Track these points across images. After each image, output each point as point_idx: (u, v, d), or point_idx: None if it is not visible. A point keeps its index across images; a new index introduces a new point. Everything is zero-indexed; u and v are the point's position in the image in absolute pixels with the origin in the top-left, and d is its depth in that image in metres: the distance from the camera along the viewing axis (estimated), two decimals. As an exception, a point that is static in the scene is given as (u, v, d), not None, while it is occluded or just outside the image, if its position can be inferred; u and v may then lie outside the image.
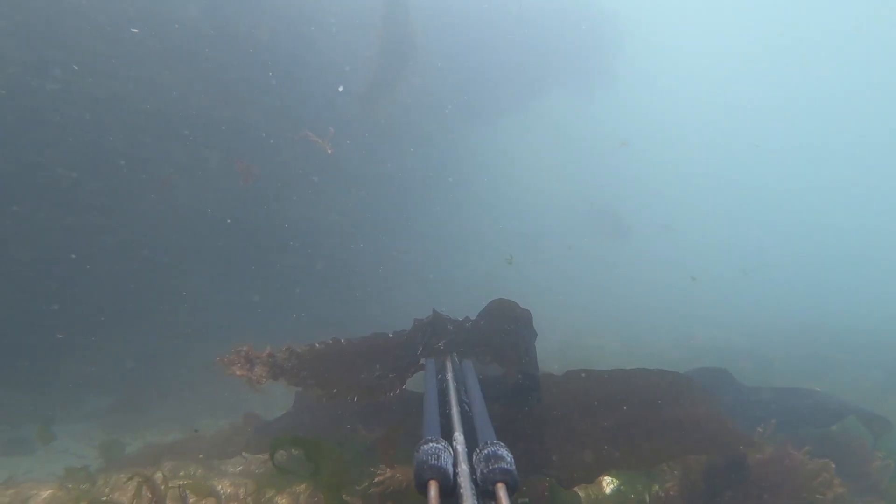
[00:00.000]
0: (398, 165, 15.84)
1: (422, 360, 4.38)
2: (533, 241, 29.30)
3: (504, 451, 2.11)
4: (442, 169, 18.77)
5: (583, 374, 4.77)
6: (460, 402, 3.13)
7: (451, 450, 2.19)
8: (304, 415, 5.65)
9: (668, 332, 20.03)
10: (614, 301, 27.46)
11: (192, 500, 4.28)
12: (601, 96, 29.04)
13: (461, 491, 1.94)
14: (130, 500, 4.14)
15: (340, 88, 12.51)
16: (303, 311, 12.61)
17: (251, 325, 11.29)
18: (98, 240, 9.27)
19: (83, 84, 8.60)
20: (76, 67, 8.44)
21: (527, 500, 3.90)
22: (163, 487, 4.21)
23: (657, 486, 4.65)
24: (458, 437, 2.42)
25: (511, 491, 1.93)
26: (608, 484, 4.77)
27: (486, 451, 2.12)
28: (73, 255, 8.90)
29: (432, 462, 2.02)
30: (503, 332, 4.53)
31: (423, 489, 1.93)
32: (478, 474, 2.04)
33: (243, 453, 5.80)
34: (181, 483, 4.34)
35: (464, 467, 2.09)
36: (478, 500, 1.92)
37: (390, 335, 4.83)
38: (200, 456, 6.10)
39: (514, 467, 2.03)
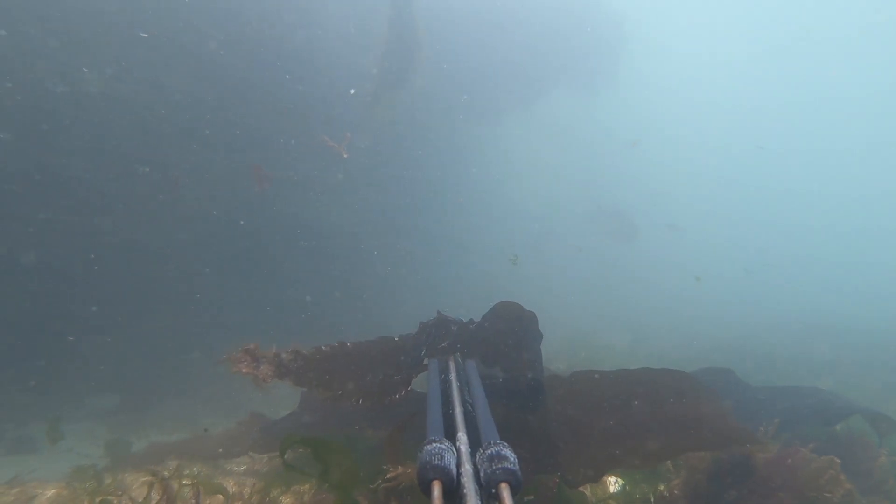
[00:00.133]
0: (402, 166, 15.84)
1: (425, 361, 4.39)
2: (539, 241, 29.25)
3: (507, 451, 2.12)
4: (446, 169, 18.75)
5: (588, 375, 4.78)
6: (463, 402, 3.13)
7: (454, 450, 2.20)
8: (309, 414, 5.65)
9: (672, 332, 20.00)
10: (620, 301, 27.42)
11: (201, 500, 4.29)
12: (605, 96, 29.00)
13: (464, 491, 1.94)
14: (143, 498, 4.16)
15: (352, 91, 12.52)
16: (308, 313, 12.63)
17: (255, 326, 11.32)
18: (103, 240, 9.32)
19: (91, 86, 8.64)
20: (85, 70, 8.49)
21: (531, 497, 3.90)
22: (175, 486, 4.24)
23: (662, 486, 4.64)
24: (462, 437, 2.42)
25: (514, 491, 1.93)
26: (613, 483, 4.77)
27: (489, 451, 2.12)
28: (93, 255, 9.02)
29: (436, 462, 2.02)
30: (506, 335, 4.54)
31: (427, 489, 1.94)
32: (481, 474, 2.04)
33: (250, 453, 5.82)
34: (193, 482, 4.35)
35: (467, 467, 2.09)
36: (481, 500, 1.92)
37: (396, 338, 4.83)
38: (219, 450, 6.10)
39: (517, 467, 2.04)
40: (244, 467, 6.05)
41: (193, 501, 4.28)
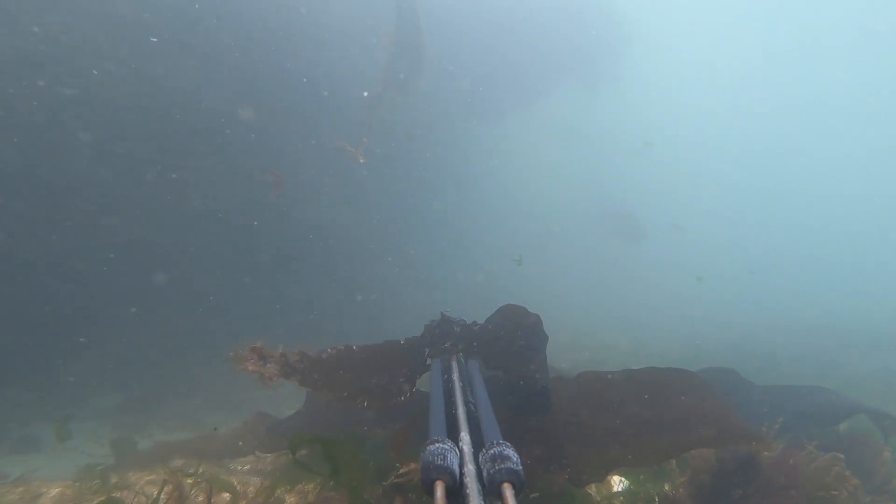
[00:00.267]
0: (404, 167, 15.84)
1: (428, 361, 4.40)
2: (542, 241, 29.24)
3: (510, 451, 2.12)
4: (449, 170, 18.75)
5: (593, 376, 4.79)
6: (466, 403, 3.13)
7: (457, 450, 2.20)
8: (315, 413, 5.66)
9: (676, 332, 19.95)
10: (623, 301, 27.36)
11: (210, 499, 4.32)
12: (608, 96, 28.93)
13: (467, 491, 1.94)
14: (156, 495, 4.19)
15: (365, 94, 12.53)
16: (311, 314, 12.65)
17: (258, 327, 11.34)
18: (109, 240, 9.36)
19: (100, 89, 8.69)
20: (95, 72, 8.53)
21: (536, 494, 3.91)
22: (189, 483, 4.27)
23: (667, 486, 4.64)
24: (465, 437, 2.42)
25: (517, 491, 1.94)
26: (618, 483, 4.77)
27: (492, 451, 2.12)
28: (112, 255, 9.12)
29: (438, 462, 2.03)
30: (510, 339, 4.54)
31: (430, 490, 1.94)
32: (484, 474, 2.05)
33: (256, 452, 5.83)
34: (203, 479, 4.39)
35: (470, 467, 2.10)
36: (484, 500, 1.92)
37: (402, 342, 4.83)
38: (225, 450, 6.12)
39: (520, 467, 2.04)
40: (248, 466, 6.07)
41: (201, 498, 4.31)
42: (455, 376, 3.73)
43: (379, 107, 12.98)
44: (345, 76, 12.73)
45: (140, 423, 9.06)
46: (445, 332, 4.74)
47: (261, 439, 5.89)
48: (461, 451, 2.24)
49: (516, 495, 1.91)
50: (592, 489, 4.50)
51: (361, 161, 10.75)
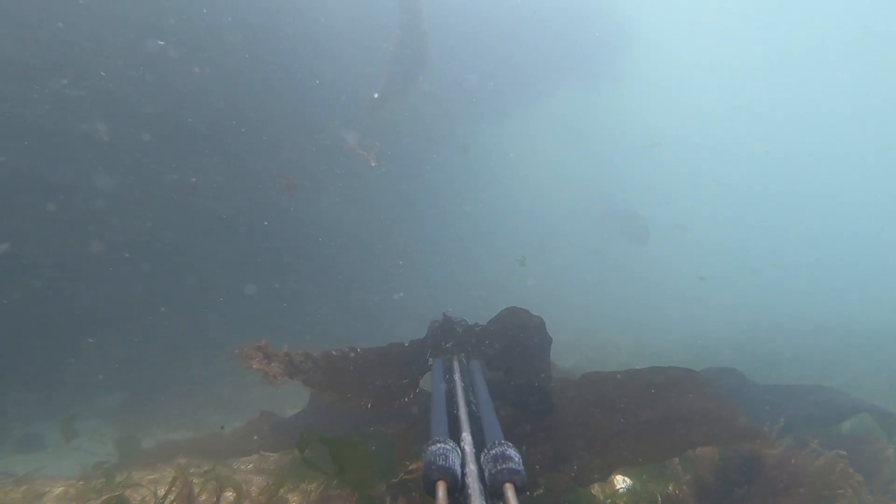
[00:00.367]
0: (407, 167, 15.83)
1: (430, 362, 4.41)
2: (545, 241, 29.21)
3: (512, 451, 2.12)
4: (451, 170, 18.73)
5: (597, 376, 4.81)
6: (468, 403, 3.14)
7: (458, 450, 2.20)
8: (320, 412, 5.67)
9: (678, 332, 19.92)
10: (626, 301, 27.33)
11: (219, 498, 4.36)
12: (610, 96, 28.91)
13: (469, 491, 1.95)
14: (164, 492, 4.23)
15: (376, 95, 12.52)
16: (313, 316, 12.67)
17: (261, 327, 11.37)
18: (114, 240, 9.39)
19: (109, 91, 8.72)
20: (103, 73, 8.56)
21: (541, 491, 3.92)
22: (197, 482, 4.29)
23: (671, 485, 4.64)
24: (466, 437, 2.43)
25: (519, 491, 1.94)
26: (622, 483, 4.77)
27: (493, 452, 2.12)
28: (128, 254, 9.16)
29: (440, 463, 2.03)
30: (512, 344, 4.55)
31: (432, 490, 1.94)
32: (486, 474, 2.05)
33: (261, 451, 5.85)
34: (213, 478, 4.41)
35: (472, 468, 2.10)
36: (486, 500, 1.92)
37: (406, 344, 4.84)
38: (229, 448, 6.14)
39: (522, 467, 2.04)
40: (250, 465, 6.08)
41: (204, 497, 4.33)
42: (457, 376, 3.74)
43: (382, 108, 12.98)
44: (349, 78, 12.71)
45: (142, 422, 9.09)
46: (447, 332, 4.75)
47: (265, 438, 5.90)
48: (463, 451, 2.24)
49: (518, 495, 1.91)
50: (596, 489, 4.51)
51: (373, 164, 10.79)
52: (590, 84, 26.40)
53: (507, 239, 24.96)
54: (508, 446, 2.15)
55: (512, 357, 4.48)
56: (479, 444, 2.36)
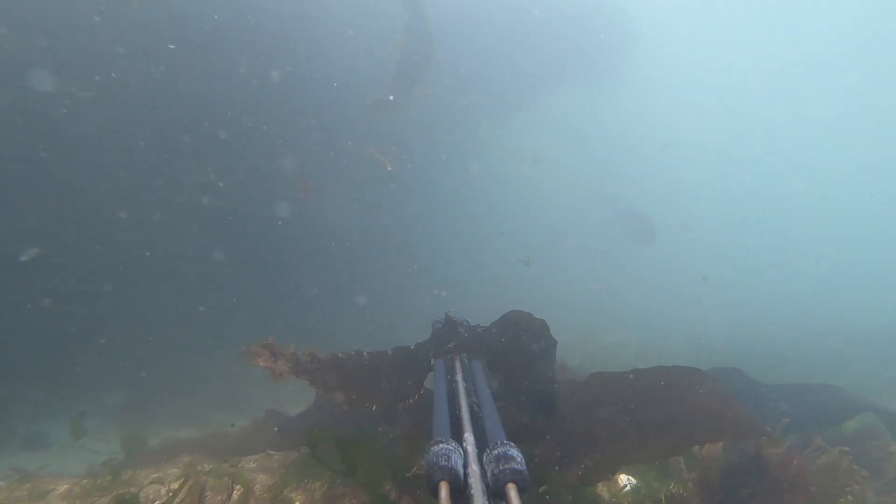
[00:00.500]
0: (411, 167, 15.81)
1: (431, 361, 4.41)
2: (551, 240, 29.18)
3: (514, 451, 2.12)
4: (454, 170, 18.71)
5: (602, 377, 4.84)
6: (470, 403, 3.13)
7: (461, 451, 2.20)
8: (326, 410, 5.68)
9: (682, 332, 19.86)
10: (629, 301, 27.26)
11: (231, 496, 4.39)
12: (612, 97, 28.84)
13: (472, 492, 1.94)
14: (175, 491, 4.26)
15: (391, 97, 12.50)
16: (316, 316, 12.69)
17: (263, 327, 11.40)
18: (120, 239, 9.43)
19: (118, 93, 8.76)
20: (114, 75, 8.58)
21: (544, 486, 3.92)
22: (212, 482, 4.31)
23: (675, 485, 4.63)
24: (468, 437, 2.43)
25: (522, 491, 1.94)
26: (627, 482, 4.76)
27: (496, 452, 2.12)
28: (148, 254, 9.21)
29: (443, 463, 2.03)
30: (513, 345, 4.55)
31: (434, 490, 1.94)
32: (488, 475, 2.05)
33: (268, 450, 5.86)
34: (226, 475, 4.44)
35: (474, 468, 2.10)
36: (489, 500, 1.92)
37: (412, 347, 4.85)
38: (236, 447, 6.16)
39: (524, 467, 2.04)
40: (254, 464, 6.10)
41: (209, 494, 4.35)
42: (459, 377, 3.74)
43: (392, 110, 12.95)
44: (361, 81, 12.69)
45: (145, 420, 9.13)
46: (450, 333, 4.75)
47: (271, 437, 5.91)
48: (465, 451, 2.24)
49: (521, 495, 1.90)
50: (601, 488, 4.51)
51: (389, 169, 10.83)
52: (593, 85, 26.33)
53: (512, 238, 24.96)
54: (511, 446, 2.15)
55: (514, 361, 4.48)
56: (482, 445, 2.35)
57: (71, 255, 9.00)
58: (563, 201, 34.24)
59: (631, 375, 4.74)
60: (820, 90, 59.56)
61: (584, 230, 33.13)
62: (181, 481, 4.44)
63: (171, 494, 4.29)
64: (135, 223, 9.58)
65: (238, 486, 4.58)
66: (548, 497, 3.89)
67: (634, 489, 4.68)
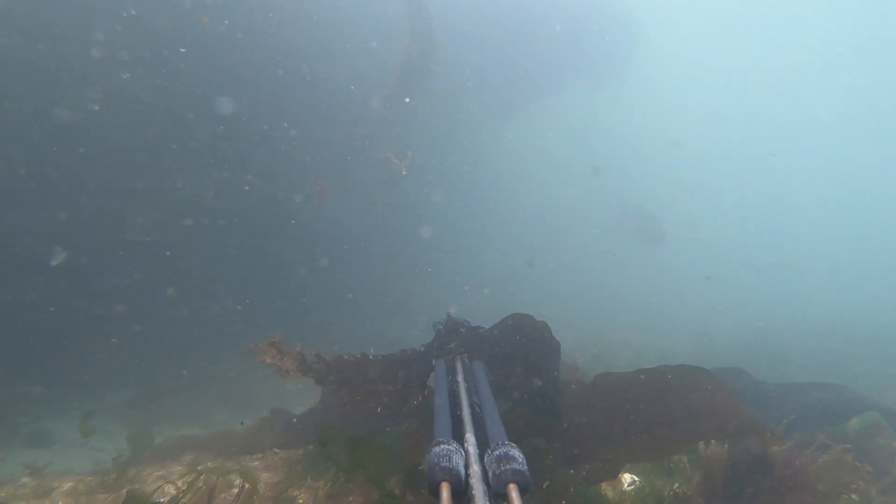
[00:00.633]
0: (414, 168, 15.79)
1: (433, 362, 4.41)
2: (556, 241, 29.14)
3: (516, 452, 2.12)
4: (458, 170, 18.69)
5: (608, 378, 4.84)
6: (471, 404, 3.13)
7: (462, 451, 2.20)
8: (332, 409, 5.69)
9: (685, 332, 19.83)
10: (635, 300, 27.21)
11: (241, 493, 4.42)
12: (614, 97, 28.78)
13: (473, 492, 1.95)
14: (185, 489, 4.29)
15: (407, 100, 12.49)
16: (316, 317, 12.71)
17: (267, 327, 11.39)
18: (126, 239, 9.46)
19: (127, 98, 8.79)
20: (126, 76, 8.62)
21: (547, 482, 3.93)
22: (216, 480, 4.34)
23: (679, 484, 4.63)
24: (470, 438, 2.43)
25: (523, 491, 1.94)
26: (630, 482, 4.77)
27: (497, 452, 2.12)
28: (168, 253, 9.26)
29: (444, 464, 2.03)
30: (514, 348, 4.56)
31: (436, 491, 1.94)
32: (490, 475, 2.05)
33: (274, 449, 5.88)
34: (236, 472, 4.47)
35: (475, 468, 2.10)
36: (490, 500, 1.92)
37: (420, 348, 4.86)
38: (242, 445, 6.18)
39: (525, 468, 2.04)
40: (257, 462, 6.12)
41: (221, 496, 4.38)
42: (460, 377, 3.73)
43: (391, 110, 12.93)
44: (366, 83, 12.69)
45: (149, 418, 9.16)
46: (451, 333, 4.75)
47: (276, 435, 5.92)
48: (466, 452, 2.24)
49: (522, 495, 1.90)
50: (605, 486, 4.51)
51: (404, 173, 10.83)
52: (596, 84, 26.27)
53: (517, 239, 24.95)
54: (512, 447, 2.15)
55: (514, 364, 4.48)
56: (483, 445, 2.35)
57: (85, 256, 9.03)
58: (566, 202, 34.19)
59: (642, 376, 4.72)
60: (822, 90, 59.32)
61: (591, 231, 33.03)
62: (192, 478, 4.47)
63: (183, 491, 4.32)
64: (147, 225, 9.61)
65: (246, 484, 4.61)
66: (552, 496, 3.90)
67: (638, 488, 4.67)
